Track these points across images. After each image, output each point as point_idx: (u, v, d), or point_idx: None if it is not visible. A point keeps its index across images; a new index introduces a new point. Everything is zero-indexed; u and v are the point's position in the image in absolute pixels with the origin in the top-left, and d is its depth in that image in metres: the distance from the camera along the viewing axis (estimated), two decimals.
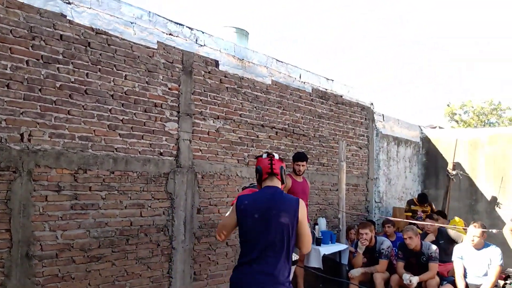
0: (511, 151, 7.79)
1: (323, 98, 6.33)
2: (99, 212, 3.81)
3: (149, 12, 4.26)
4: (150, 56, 4.25)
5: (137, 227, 4.07)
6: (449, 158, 8.19)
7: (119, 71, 4.01)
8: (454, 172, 7.86)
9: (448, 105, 20.70)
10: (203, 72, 4.73)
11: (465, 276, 4.64)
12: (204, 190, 4.68)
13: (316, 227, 5.68)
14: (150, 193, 4.19)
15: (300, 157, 5.41)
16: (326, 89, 6.40)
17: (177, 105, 4.47)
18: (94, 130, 3.80)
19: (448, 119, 20.69)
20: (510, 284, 4.73)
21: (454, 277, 4.72)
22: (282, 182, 2.67)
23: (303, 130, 5.97)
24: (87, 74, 3.77)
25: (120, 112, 4.00)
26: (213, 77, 4.84)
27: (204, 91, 4.73)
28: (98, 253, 3.78)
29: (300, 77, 5.94)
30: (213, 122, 4.81)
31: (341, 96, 6.69)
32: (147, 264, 4.12)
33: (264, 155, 2.69)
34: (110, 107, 3.92)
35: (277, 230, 2.42)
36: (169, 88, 4.41)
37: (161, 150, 4.31)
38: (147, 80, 4.22)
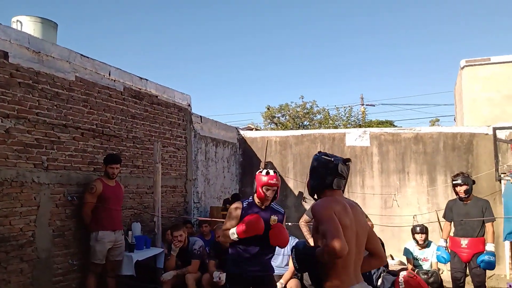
0: (314, 150, 9.03)
1: (137, 98, 6.29)
2: None
3: None
4: None
5: None
6: (262, 157, 9.07)
7: None
8: None
9: (268, 109, 22.77)
10: None
11: None
12: None
13: (129, 232, 5.60)
14: None
15: (114, 159, 5.27)
16: (140, 89, 6.38)
17: None
18: None
19: (268, 121, 22.78)
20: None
21: None
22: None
23: (114, 131, 5.82)
24: None
25: None
26: (1, 70, 4.33)
27: None
28: None
29: (109, 74, 5.77)
30: (2, 122, 4.31)
31: (157, 97, 6.75)
32: None
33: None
34: None
35: None
36: None
37: None
38: None
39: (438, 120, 24.51)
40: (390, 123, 21.19)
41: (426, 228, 5.95)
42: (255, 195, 3.78)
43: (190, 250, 5.54)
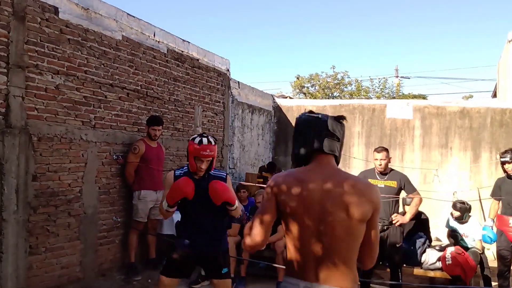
0: (352, 122, 8.92)
1: (179, 61, 6.31)
2: None
3: None
4: None
5: None
6: None
7: None
8: None
9: (297, 78, 22.47)
10: (39, 19, 4.27)
11: None
12: (41, 154, 4.31)
13: None
14: None
15: (156, 121, 5.37)
16: (183, 51, 6.39)
17: (6, 55, 3.96)
18: None
19: (297, 91, 22.52)
20: None
21: None
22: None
23: (157, 93, 5.89)
24: None
25: None
26: (52, 26, 4.40)
27: (40, 41, 4.28)
28: None
29: (154, 35, 5.79)
30: (52, 78, 4.41)
31: (198, 60, 6.76)
32: None
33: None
34: None
35: None
36: None
37: None
38: None
39: (471, 97, 23.76)
40: (423, 97, 20.65)
41: (464, 205, 5.77)
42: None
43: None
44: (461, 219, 5.58)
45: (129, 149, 5.25)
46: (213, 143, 3.24)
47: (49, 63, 4.37)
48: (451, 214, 5.74)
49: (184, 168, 3.37)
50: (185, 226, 3.37)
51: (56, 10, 4.44)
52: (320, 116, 1.94)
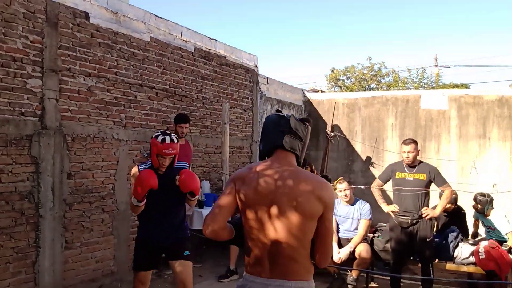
0: (385, 114, 8.80)
1: (206, 59, 6.45)
2: None
3: None
4: (7, 5, 3.93)
5: None
6: (328, 120, 9.00)
7: None
8: (332, 134, 8.69)
9: (332, 71, 22.21)
10: (71, 25, 4.51)
11: (337, 231, 5.28)
12: (75, 153, 4.56)
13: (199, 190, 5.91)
14: (10, 157, 3.97)
15: (182, 119, 5.53)
16: (210, 49, 6.53)
17: (40, 60, 4.22)
18: None
19: (332, 84, 22.28)
20: (378, 237, 5.35)
21: None
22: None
23: (185, 91, 6.06)
24: None
25: None
26: (83, 31, 4.64)
27: (72, 45, 4.52)
28: None
29: (181, 35, 5.96)
30: (84, 80, 4.65)
31: (225, 57, 6.88)
32: (9, 234, 3.95)
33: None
34: None
35: None
36: (30, 41, 4.14)
37: (23, 110, 4.08)
38: (3, 31, 3.91)
39: None
40: (465, 86, 19.92)
41: (485, 198, 5.56)
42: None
43: None
44: (482, 212, 5.43)
45: None
46: (175, 141, 3.35)
47: (81, 66, 4.61)
48: (473, 207, 5.61)
49: (148, 163, 3.47)
50: (148, 217, 3.44)
51: (87, 15, 4.67)
52: (285, 115, 2.01)
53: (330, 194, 1.89)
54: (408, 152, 4.58)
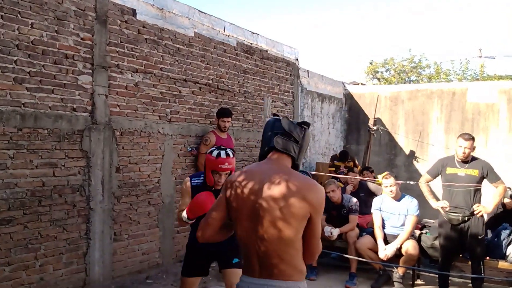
0: (430, 107, 8.56)
1: (248, 53, 6.46)
2: (7, 173, 3.70)
3: None
4: (59, 3, 4.06)
5: (50, 188, 4.01)
6: (370, 113, 8.83)
7: (25, 19, 3.80)
8: (375, 128, 8.52)
9: (370, 63, 21.75)
10: (119, 22, 4.62)
11: (383, 227, 5.19)
12: (123, 148, 4.69)
13: None
14: (63, 151, 4.13)
15: (225, 113, 5.58)
16: (251, 44, 6.53)
17: (90, 56, 4.35)
18: None
19: (371, 76, 21.83)
20: (425, 233, 5.24)
21: (373, 228, 5.19)
22: None
23: (227, 86, 6.10)
24: None
25: (26, 64, 3.83)
26: (131, 27, 4.74)
27: (120, 42, 4.63)
28: (8, 216, 3.71)
29: (224, 30, 5.99)
30: (132, 76, 4.76)
31: (267, 51, 6.87)
32: (62, 226, 4.12)
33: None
34: (15, 58, 3.74)
35: None
36: (81, 38, 4.27)
37: (74, 106, 4.22)
38: (56, 29, 4.05)
39: None
40: (511, 78, 19.06)
41: None
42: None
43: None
44: None
45: (201, 141, 5.51)
46: (231, 155, 3.12)
47: (128, 62, 4.72)
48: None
49: (201, 177, 3.25)
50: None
51: (134, 12, 4.76)
52: (280, 117, 2.04)
53: (317, 196, 1.87)
54: (465, 148, 4.41)
